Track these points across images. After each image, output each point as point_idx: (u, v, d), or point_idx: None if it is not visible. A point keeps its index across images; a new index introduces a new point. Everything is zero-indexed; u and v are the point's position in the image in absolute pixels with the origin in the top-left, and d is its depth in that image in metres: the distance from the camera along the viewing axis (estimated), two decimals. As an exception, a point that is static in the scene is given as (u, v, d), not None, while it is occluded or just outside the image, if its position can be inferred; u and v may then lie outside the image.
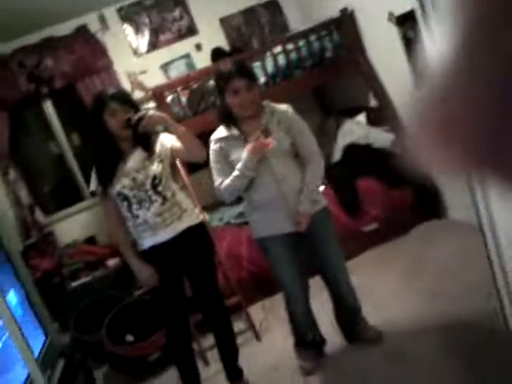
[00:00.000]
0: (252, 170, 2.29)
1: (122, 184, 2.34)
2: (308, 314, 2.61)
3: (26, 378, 2.25)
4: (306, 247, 2.52)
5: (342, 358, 2.64)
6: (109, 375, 3.40)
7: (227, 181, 2.34)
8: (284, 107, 2.44)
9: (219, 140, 2.40)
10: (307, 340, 2.65)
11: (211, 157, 2.42)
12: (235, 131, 2.37)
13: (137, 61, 4.82)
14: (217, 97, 3.82)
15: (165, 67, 4.88)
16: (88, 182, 4.66)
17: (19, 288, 2.64)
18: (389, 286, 3.10)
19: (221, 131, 2.42)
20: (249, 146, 2.26)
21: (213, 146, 2.42)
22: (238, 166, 2.30)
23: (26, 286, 2.69)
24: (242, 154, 2.28)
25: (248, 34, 4.98)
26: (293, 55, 3.94)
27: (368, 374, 2.43)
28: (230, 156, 2.36)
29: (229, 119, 2.38)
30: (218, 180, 2.39)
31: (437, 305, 2.74)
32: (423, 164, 0.44)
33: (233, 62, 2.42)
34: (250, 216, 2.51)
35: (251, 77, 2.37)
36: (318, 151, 2.45)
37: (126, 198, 2.35)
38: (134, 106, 2.41)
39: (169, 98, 3.84)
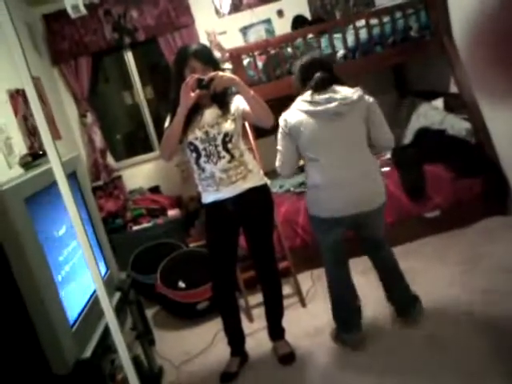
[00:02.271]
0: None
1: (194, 135, 2.41)
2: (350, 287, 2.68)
3: (86, 304, 2.42)
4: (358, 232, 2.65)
5: (382, 337, 2.66)
6: (157, 315, 3.60)
7: None
8: None
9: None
10: (349, 318, 2.67)
11: None
12: None
13: (218, 21, 4.87)
14: (292, 64, 3.84)
15: (244, 30, 4.91)
16: (159, 134, 4.87)
17: (88, 222, 2.81)
18: (441, 275, 3.05)
19: None
20: None
21: None
22: None
23: (94, 221, 2.85)
24: None
25: (332, 4, 4.89)
26: (375, 31, 3.85)
27: (407, 357, 2.44)
28: None
29: None
30: None
31: (486, 300, 2.69)
32: (478, 81, 0.46)
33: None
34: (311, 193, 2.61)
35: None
36: None
37: (195, 149, 2.42)
38: (215, 65, 2.44)
39: (245, 61, 3.88)
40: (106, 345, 2.27)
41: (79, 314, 2.31)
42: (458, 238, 3.52)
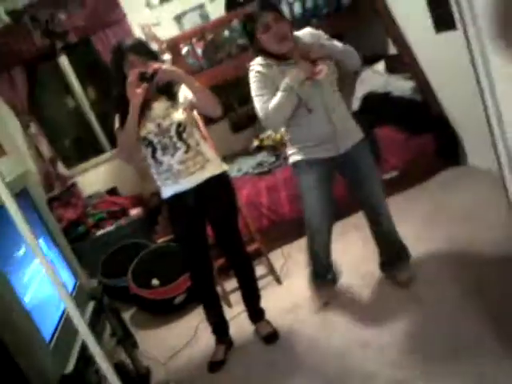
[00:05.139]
0: (299, 85, 2.23)
1: (147, 130, 2.37)
2: (328, 248, 2.72)
3: (61, 317, 2.37)
4: (347, 180, 2.61)
5: (358, 297, 2.75)
6: (136, 316, 3.57)
7: (274, 100, 2.27)
8: (307, 31, 2.41)
9: (262, 66, 2.33)
10: (323, 273, 2.77)
11: (254, 83, 2.34)
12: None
13: (150, 12, 4.76)
14: (232, 46, 3.80)
15: (178, 19, 4.81)
16: (107, 134, 4.76)
17: (48, 237, 2.73)
18: (407, 232, 3.12)
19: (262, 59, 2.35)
20: (300, 66, 2.24)
21: (254, 73, 2.34)
22: (285, 80, 2.24)
23: (54, 234, 2.78)
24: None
25: (263, -19, 4.86)
26: (309, 3, 3.86)
27: (382, 312, 2.52)
28: (277, 82, 2.29)
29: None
30: (264, 106, 2.30)
31: (453, 249, 2.79)
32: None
33: (256, 2, 2.37)
34: (295, 144, 2.48)
35: (280, 13, 2.34)
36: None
37: (150, 144, 2.38)
38: (153, 55, 2.41)
39: (184, 50, 3.82)
40: (88, 355, 2.23)
41: (55, 329, 2.26)
42: (418, 194, 3.62)
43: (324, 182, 2.50)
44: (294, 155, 2.50)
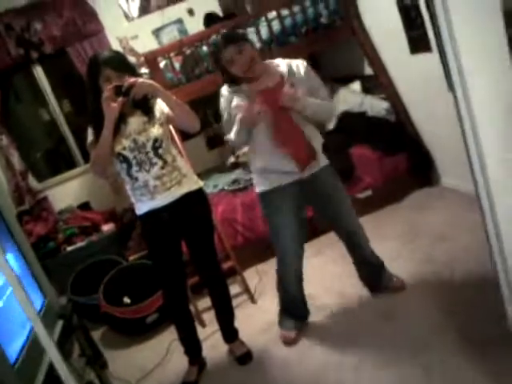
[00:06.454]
0: (247, 127, 2.34)
1: (122, 145, 2.31)
2: (300, 276, 2.66)
3: (27, 338, 2.28)
4: (316, 207, 2.61)
5: (332, 316, 2.74)
6: (106, 336, 3.47)
7: (232, 130, 2.40)
8: (295, 62, 2.44)
9: (228, 93, 2.42)
10: (292, 308, 2.69)
11: (221, 104, 2.46)
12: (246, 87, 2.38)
13: (128, 25, 4.75)
14: (209, 62, 3.79)
15: (156, 32, 4.82)
16: (81, 148, 4.68)
17: (16, 251, 2.65)
18: (382, 252, 3.14)
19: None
20: (245, 106, 2.29)
21: (224, 92, 2.44)
22: (238, 117, 2.34)
23: (23, 250, 2.69)
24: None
25: (241, -2, 4.89)
26: (287, 21, 3.89)
27: (357, 332, 2.51)
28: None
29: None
30: (227, 130, 2.45)
31: (429, 269, 2.81)
32: None
33: (221, 34, 2.45)
34: (258, 170, 2.49)
35: (240, 40, 2.34)
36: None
37: (125, 160, 2.33)
38: (130, 69, 2.36)
39: (162, 64, 3.80)
40: (55, 376, 2.15)
41: (21, 349, 2.18)
42: (392, 213, 3.66)
43: (291, 207, 2.46)
44: (258, 185, 2.51)
